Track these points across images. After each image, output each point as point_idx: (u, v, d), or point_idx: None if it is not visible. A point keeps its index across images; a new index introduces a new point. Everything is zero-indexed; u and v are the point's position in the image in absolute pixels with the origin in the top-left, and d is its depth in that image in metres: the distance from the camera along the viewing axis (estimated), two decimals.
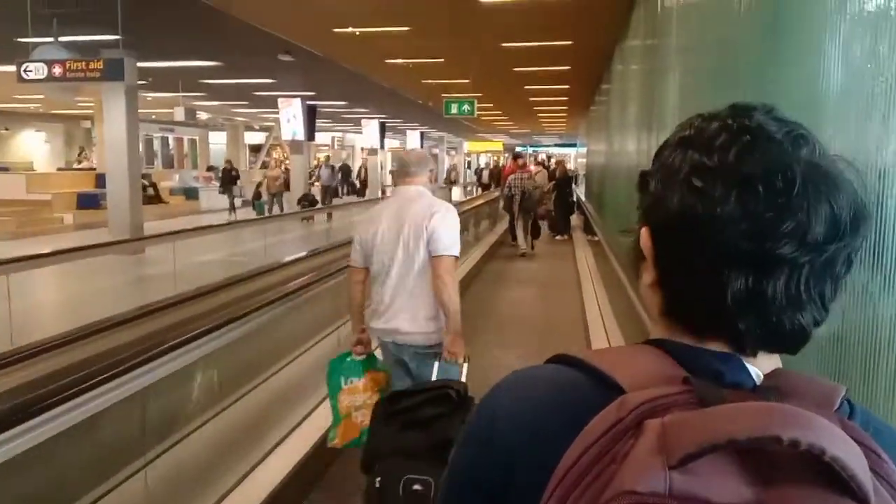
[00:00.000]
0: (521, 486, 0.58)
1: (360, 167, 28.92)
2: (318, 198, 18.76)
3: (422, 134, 28.36)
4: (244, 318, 3.34)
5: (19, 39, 8.75)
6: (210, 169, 24.46)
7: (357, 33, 9.09)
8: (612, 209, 8.16)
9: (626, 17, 7.47)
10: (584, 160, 21.32)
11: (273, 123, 23.49)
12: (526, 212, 12.37)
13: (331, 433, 2.97)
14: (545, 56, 10.88)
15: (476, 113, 12.98)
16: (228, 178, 18.34)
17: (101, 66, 8.07)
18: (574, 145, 34.38)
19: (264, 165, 25.26)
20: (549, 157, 35.02)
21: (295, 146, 18.19)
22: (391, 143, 33.31)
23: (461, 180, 35.17)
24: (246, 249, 10.71)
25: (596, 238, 10.67)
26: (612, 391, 0.56)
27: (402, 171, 3.02)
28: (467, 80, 12.47)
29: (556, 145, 42.11)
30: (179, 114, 17.06)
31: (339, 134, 34.91)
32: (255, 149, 30.57)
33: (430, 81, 14.04)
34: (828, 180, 0.55)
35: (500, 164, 29.32)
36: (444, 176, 30.95)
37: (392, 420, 2.37)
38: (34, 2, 7.53)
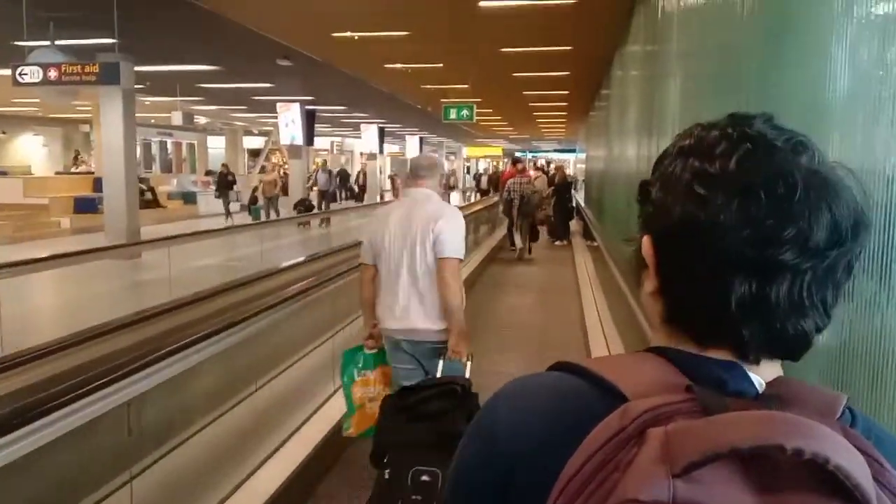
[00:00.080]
0: (523, 494, 0.58)
1: (359, 172, 28.89)
2: (316, 203, 18.63)
3: (421, 139, 28.39)
4: (236, 327, 3.30)
5: (16, 43, 8.73)
6: (208, 173, 24.44)
7: (356, 38, 9.07)
8: (612, 215, 8.13)
9: (625, 23, 7.46)
10: (584, 166, 21.33)
11: (272, 128, 23.47)
12: (525, 216, 12.40)
13: (345, 423, 3.13)
14: (544, 61, 10.88)
15: (475, 118, 12.96)
16: (224, 183, 18.26)
17: (97, 70, 8.03)
18: (573, 151, 34.42)
19: (263, 170, 25.25)
20: (548, 163, 35.05)
21: (293, 151, 18.17)
22: (390, 147, 33.32)
23: (460, 185, 35.18)
24: (240, 255, 10.70)
25: (595, 244, 10.66)
26: (614, 399, 0.56)
27: (413, 173, 3.13)
28: (466, 86, 12.48)
29: (556, 151, 42.16)
30: (177, 118, 17.03)
31: (339, 139, 34.91)
32: (254, 153, 30.58)
33: (429, 86, 14.03)
34: (828, 187, 0.55)
35: (500, 170, 29.32)
36: (443, 181, 30.88)
37: (401, 414, 2.52)
38: (31, 5, 7.50)
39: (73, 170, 24.16)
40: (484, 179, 30.69)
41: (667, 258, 0.62)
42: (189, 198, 21.34)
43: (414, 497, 2.35)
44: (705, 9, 3.19)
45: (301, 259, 6.45)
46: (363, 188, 27.21)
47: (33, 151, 26.42)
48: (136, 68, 10.40)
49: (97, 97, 11.10)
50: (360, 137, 24.67)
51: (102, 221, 11.59)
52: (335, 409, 4.10)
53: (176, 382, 2.90)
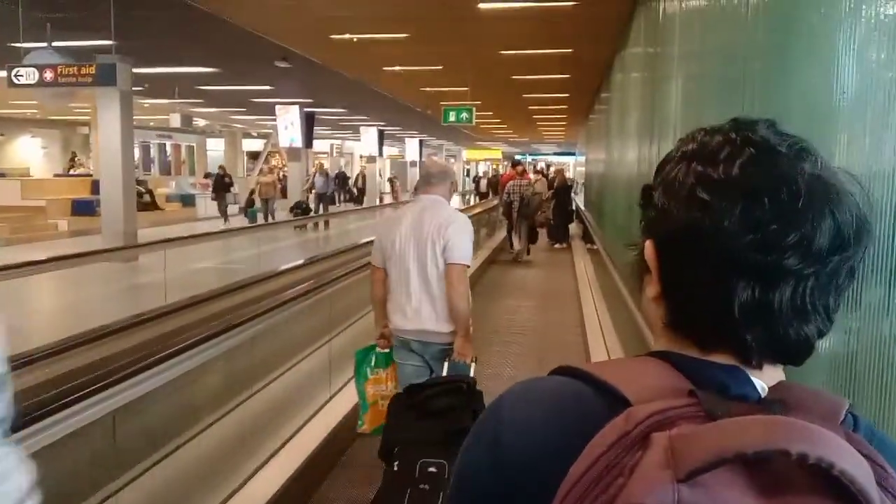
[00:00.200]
0: (527, 499, 0.58)
1: (358, 175, 28.83)
2: (313, 206, 18.49)
3: (421, 142, 28.35)
4: (225, 334, 3.24)
5: (13, 45, 8.68)
6: (207, 176, 24.38)
7: (355, 40, 9.04)
8: (612, 218, 8.11)
9: (626, 26, 7.42)
10: (583, 169, 21.33)
11: (271, 130, 23.44)
12: (524, 218, 12.42)
13: (360, 420, 3.26)
14: (544, 64, 10.85)
15: (474, 121, 12.93)
16: (221, 185, 18.17)
17: (93, 72, 7.97)
18: (573, 154, 34.40)
19: (261, 173, 25.19)
20: (547, 166, 35.05)
21: (293, 153, 18.12)
22: (390, 150, 33.29)
23: (459, 188, 35.14)
24: (234, 258, 10.64)
25: (594, 247, 10.65)
26: (617, 404, 0.55)
27: (425, 180, 3.24)
28: (466, 88, 12.45)
29: (555, 154, 42.16)
30: (175, 120, 16.99)
31: (338, 141, 34.89)
32: (254, 156, 30.50)
33: (428, 89, 14.00)
34: (831, 192, 0.56)
35: (499, 173, 29.28)
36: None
37: (409, 412, 2.67)
38: (27, 6, 7.45)
39: (70, 172, 24.12)
40: (483, 182, 30.66)
41: (669, 263, 0.62)
42: (188, 200, 21.31)
43: (422, 486, 2.48)
44: (708, 11, 3.15)
45: (294, 264, 6.38)
46: (362, 191, 27.16)
47: (32, 153, 26.37)
48: (135, 70, 10.37)
49: (96, 99, 11.06)
50: (359, 140, 24.61)
51: (100, 224, 11.55)
52: (331, 415, 4.08)
53: (166, 390, 2.84)
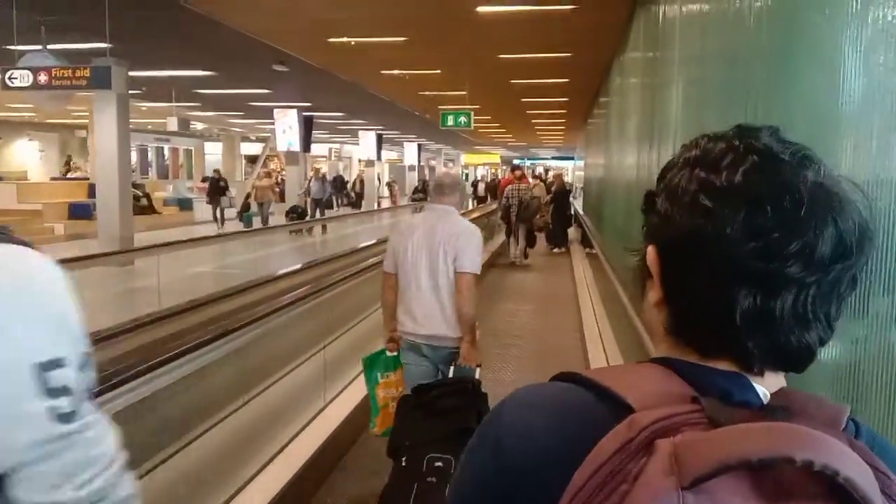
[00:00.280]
0: (527, 503, 0.58)
1: (355, 179, 28.78)
2: (309, 210, 18.33)
3: (419, 146, 28.34)
4: (213, 343, 3.20)
5: (7, 47, 8.64)
6: (205, 180, 24.33)
7: (352, 43, 9.01)
8: (611, 223, 8.10)
9: (625, 30, 7.40)
10: (582, 173, 21.35)
11: (269, 134, 23.42)
12: (523, 221, 12.46)
13: (371, 422, 3.41)
14: (543, 68, 10.83)
15: (473, 125, 12.93)
16: (216, 189, 18.04)
17: (88, 74, 7.91)
18: (571, 158, 34.42)
19: (259, 177, 25.15)
20: (546, 171, 35.07)
21: (290, 157, 18.08)
22: (388, 154, 33.28)
23: None
24: (229, 263, 10.61)
25: (593, 251, 10.64)
26: (620, 410, 0.55)
27: (438, 190, 3.39)
28: (464, 92, 12.43)
29: (554, 158, 42.22)
30: (172, 124, 16.94)
31: (337, 145, 34.87)
32: (252, 159, 30.45)
33: (426, 93, 13.98)
34: (833, 200, 0.56)
35: (498, 177, 29.26)
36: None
37: (416, 411, 2.81)
38: (22, 9, 7.40)
39: (69, 175, 24.06)
40: (481, 186, 30.63)
41: (671, 269, 0.62)
42: (185, 204, 21.26)
43: (429, 479, 2.61)
44: (710, 15, 3.11)
45: (289, 269, 6.33)
46: (360, 195, 27.11)
47: (29, 157, 26.32)
48: (132, 73, 10.31)
49: (92, 102, 11.02)
50: (358, 144, 24.59)
51: (96, 228, 11.49)
52: (327, 421, 4.03)
53: (156, 398, 2.79)
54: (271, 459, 3.50)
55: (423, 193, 25.57)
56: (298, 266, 6.73)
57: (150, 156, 27.89)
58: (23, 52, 8.47)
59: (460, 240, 3.20)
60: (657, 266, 0.63)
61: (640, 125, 5.62)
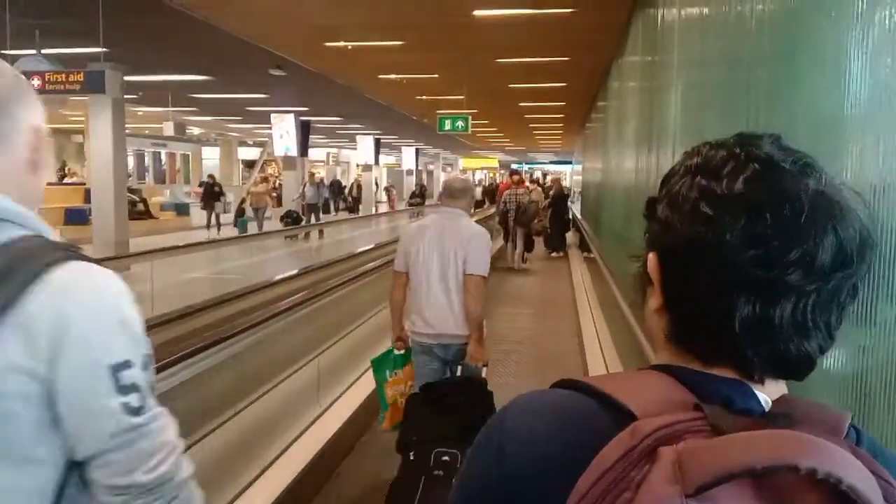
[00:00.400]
0: None
1: (352, 184, 28.71)
2: (304, 215, 18.22)
3: (417, 150, 28.31)
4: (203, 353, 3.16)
5: (2, 52, 8.57)
6: (202, 185, 24.32)
7: (349, 47, 8.97)
8: (609, 227, 8.08)
9: (623, 34, 7.37)
10: (580, 178, 21.36)
11: (267, 139, 23.38)
12: (521, 225, 12.52)
13: (380, 417, 3.55)
14: (541, 72, 10.80)
15: (470, 129, 12.90)
16: (210, 194, 17.97)
17: (82, 79, 7.86)
18: (570, 163, 34.43)
19: (255, 183, 25.10)
20: (544, 175, 35.10)
21: (288, 162, 18.02)
22: (386, 159, 33.26)
23: None
24: (227, 268, 10.55)
25: (591, 255, 10.64)
26: (622, 417, 0.55)
27: (449, 193, 3.52)
28: (462, 97, 12.41)
29: (552, 162, 42.24)
30: (168, 128, 16.89)
31: (335, 150, 34.85)
32: (250, 164, 30.44)
33: (424, 97, 13.96)
34: (834, 209, 0.56)
35: (496, 181, 29.24)
36: (439, 192, 30.83)
37: (425, 407, 2.94)
38: (16, 13, 7.34)
39: (62, 181, 23.98)
40: (478, 191, 30.61)
41: (672, 276, 0.62)
42: (182, 209, 21.22)
43: (436, 472, 2.72)
44: (710, 18, 3.07)
45: (284, 275, 6.27)
46: (357, 200, 27.04)
47: None
48: (128, 78, 10.27)
49: (88, 107, 10.97)
50: (355, 149, 24.56)
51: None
52: (322, 431, 3.99)
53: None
54: (269, 466, 3.46)
55: (420, 198, 25.57)
56: (294, 272, 6.67)
57: (148, 160, 27.86)
58: (17, 57, 8.42)
59: (470, 242, 3.31)
60: (658, 273, 0.63)
61: (639, 129, 5.59)
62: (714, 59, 2.88)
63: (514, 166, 32.57)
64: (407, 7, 7.19)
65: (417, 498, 2.71)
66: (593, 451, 0.53)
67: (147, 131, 23.23)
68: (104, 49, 8.39)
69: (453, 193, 3.51)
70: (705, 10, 3.17)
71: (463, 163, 40.13)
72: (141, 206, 18.44)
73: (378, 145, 23.07)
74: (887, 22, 1.31)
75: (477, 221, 14.19)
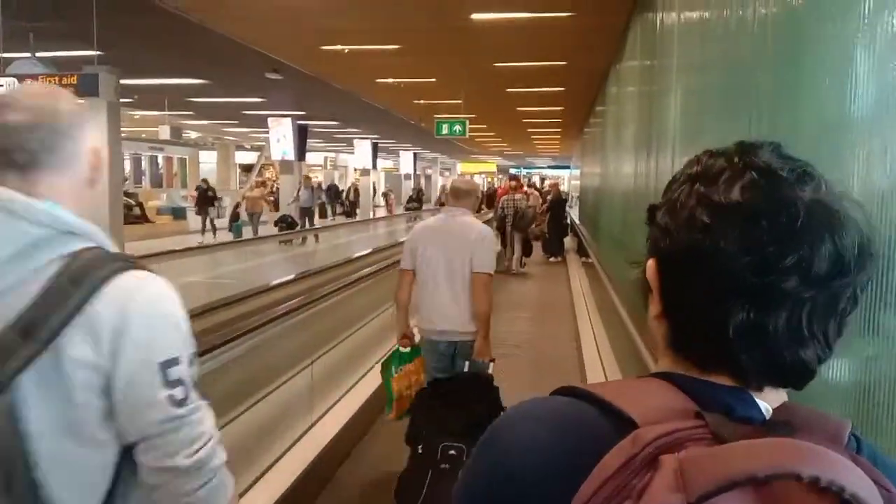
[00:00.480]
0: None
1: (349, 188, 28.63)
2: (298, 220, 18.10)
3: (415, 154, 28.29)
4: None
5: None
6: (198, 189, 24.26)
7: (346, 51, 8.93)
8: (607, 232, 8.06)
9: (621, 38, 7.35)
10: (578, 182, 21.40)
11: (264, 143, 23.34)
12: (519, 230, 12.60)
13: (387, 409, 3.64)
14: (539, 77, 10.78)
15: (468, 134, 12.89)
16: (204, 199, 17.87)
17: (76, 82, 7.80)
18: (567, 167, 34.45)
19: (251, 187, 25.05)
20: (542, 180, 35.14)
21: (285, 166, 17.97)
22: (384, 163, 33.23)
23: None
24: (224, 272, 10.51)
25: (589, 260, 10.64)
26: (624, 425, 0.55)
27: (454, 195, 3.62)
28: (459, 101, 12.40)
29: (550, 167, 42.27)
30: (164, 132, 16.84)
31: (332, 154, 34.83)
32: (247, 168, 30.39)
33: (421, 101, 13.93)
34: (832, 217, 0.56)
35: (494, 186, 29.21)
36: (437, 197, 30.82)
37: (433, 401, 3.06)
38: (9, 16, 7.29)
39: None
40: None
41: (670, 282, 0.62)
42: (178, 213, 21.15)
43: (442, 466, 2.81)
44: (710, 21, 3.03)
45: (277, 281, 6.19)
46: (354, 204, 26.96)
47: None
48: (124, 81, 10.21)
49: None
50: (353, 153, 24.54)
51: None
52: (316, 438, 3.95)
53: None
54: (264, 473, 3.45)
55: (417, 203, 25.54)
56: (288, 278, 6.60)
57: (144, 164, 27.80)
58: (10, 60, 8.37)
59: (476, 241, 3.42)
60: (657, 280, 0.63)
61: (638, 134, 5.56)
62: (714, 62, 2.84)
63: (512, 171, 32.59)
64: (404, 11, 7.15)
65: (424, 491, 2.81)
66: (594, 458, 0.53)
67: (144, 135, 23.16)
68: (99, 52, 8.35)
69: (459, 194, 3.61)
70: (706, 14, 3.13)
71: (461, 167, 40.12)
72: (137, 210, 18.36)
73: (376, 149, 23.08)
74: (894, 25, 1.27)
75: None
